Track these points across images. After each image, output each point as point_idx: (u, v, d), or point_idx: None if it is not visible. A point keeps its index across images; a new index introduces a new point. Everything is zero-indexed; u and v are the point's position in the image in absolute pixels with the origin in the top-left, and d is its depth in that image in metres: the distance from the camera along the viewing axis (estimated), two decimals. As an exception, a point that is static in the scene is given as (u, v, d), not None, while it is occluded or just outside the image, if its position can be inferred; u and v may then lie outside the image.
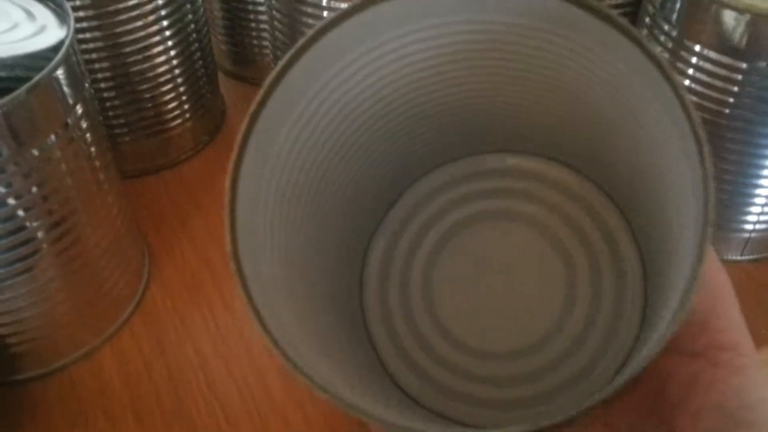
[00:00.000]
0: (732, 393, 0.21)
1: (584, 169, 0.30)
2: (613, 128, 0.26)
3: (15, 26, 0.36)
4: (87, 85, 0.37)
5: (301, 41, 0.23)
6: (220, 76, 0.60)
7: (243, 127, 0.22)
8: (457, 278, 0.30)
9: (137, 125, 0.51)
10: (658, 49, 0.41)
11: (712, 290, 0.23)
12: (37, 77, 0.32)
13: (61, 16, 0.36)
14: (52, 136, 0.34)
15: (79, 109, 0.36)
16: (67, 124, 0.35)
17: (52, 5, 0.37)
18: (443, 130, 0.30)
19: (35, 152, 0.33)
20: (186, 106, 0.53)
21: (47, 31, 0.36)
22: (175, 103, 0.52)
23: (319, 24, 0.23)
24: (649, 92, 0.21)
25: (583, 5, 0.21)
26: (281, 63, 0.22)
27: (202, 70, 0.54)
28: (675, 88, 0.19)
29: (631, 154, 0.26)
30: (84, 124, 0.36)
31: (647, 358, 0.18)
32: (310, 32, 0.22)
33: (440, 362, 0.29)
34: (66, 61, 0.34)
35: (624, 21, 0.20)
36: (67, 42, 0.34)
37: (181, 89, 0.52)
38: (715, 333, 0.22)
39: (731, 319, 0.23)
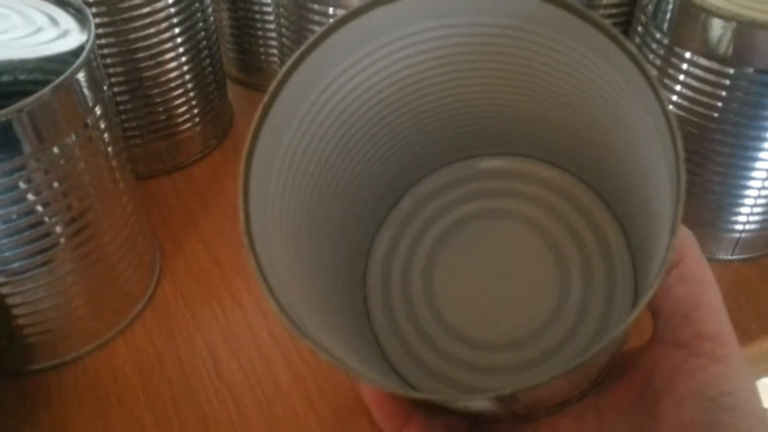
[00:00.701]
0: (713, 381, 0.22)
1: (574, 168, 0.31)
2: (600, 126, 0.27)
3: (38, 30, 0.37)
4: (105, 88, 0.38)
5: (307, 42, 0.23)
6: (228, 83, 0.61)
7: (253, 124, 0.23)
8: (456, 274, 0.31)
9: (149, 128, 0.53)
10: (650, 56, 0.42)
11: (696, 282, 0.23)
12: (60, 78, 0.33)
13: (82, 22, 0.38)
14: (73, 136, 0.35)
15: (98, 111, 0.37)
16: (86, 124, 0.36)
17: (74, 11, 0.39)
18: (441, 132, 0.30)
19: (56, 150, 0.35)
20: (196, 111, 0.55)
21: (69, 36, 0.37)
22: (185, 107, 0.54)
23: (325, 25, 0.23)
24: (630, 89, 0.22)
25: (566, 7, 0.22)
26: (288, 63, 0.23)
27: (212, 77, 0.55)
28: (648, 80, 0.20)
29: (617, 151, 0.27)
30: (102, 125, 0.38)
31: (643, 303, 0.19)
32: (317, 33, 0.23)
33: (441, 354, 0.30)
34: (87, 64, 0.35)
35: (604, 21, 0.21)
36: (88, 46, 0.35)
37: (191, 94, 0.54)
38: (697, 324, 0.23)
39: (713, 310, 0.23)
